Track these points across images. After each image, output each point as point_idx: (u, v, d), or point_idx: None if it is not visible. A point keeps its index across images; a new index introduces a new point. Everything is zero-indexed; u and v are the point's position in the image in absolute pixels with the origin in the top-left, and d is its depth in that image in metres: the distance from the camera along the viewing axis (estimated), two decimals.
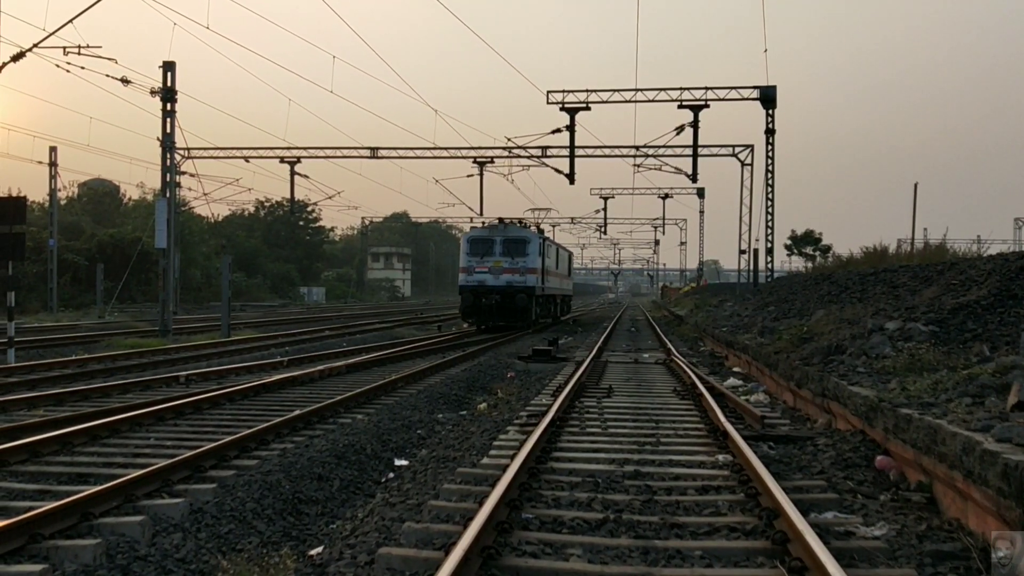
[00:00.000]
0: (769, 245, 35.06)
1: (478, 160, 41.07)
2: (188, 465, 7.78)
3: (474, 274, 31.42)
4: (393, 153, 41.12)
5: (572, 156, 33.71)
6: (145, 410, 10.75)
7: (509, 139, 38.58)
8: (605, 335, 28.74)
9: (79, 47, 21.23)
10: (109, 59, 22.57)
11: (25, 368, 16.11)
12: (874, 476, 7.40)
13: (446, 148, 40.79)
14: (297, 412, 11.09)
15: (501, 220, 33.44)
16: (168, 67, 26.46)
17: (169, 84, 26.32)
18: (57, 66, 21.59)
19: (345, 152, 41.19)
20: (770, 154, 33.72)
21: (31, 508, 6.35)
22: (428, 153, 40.79)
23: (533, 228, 35.38)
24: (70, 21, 19.50)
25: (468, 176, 42.17)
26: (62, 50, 21.20)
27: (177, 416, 11.04)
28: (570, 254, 50.00)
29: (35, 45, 19.35)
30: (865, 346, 11.14)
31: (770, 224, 34.58)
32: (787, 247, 53.58)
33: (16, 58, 18.70)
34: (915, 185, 29.28)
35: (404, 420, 11.57)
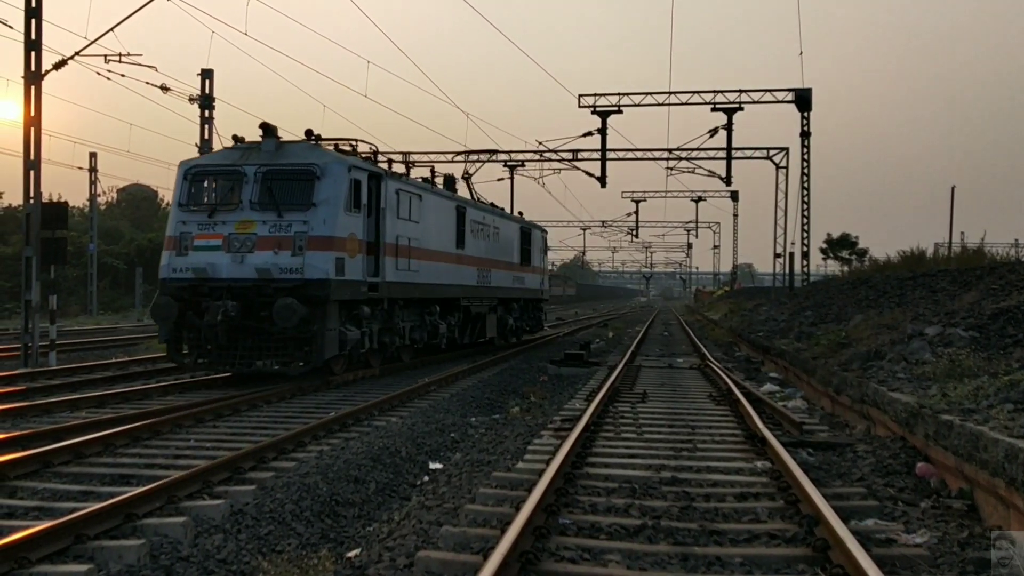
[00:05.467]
0: (805, 248, 34.79)
1: (509, 164, 41.08)
2: (228, 467, 7.88)
3: (189, 253, 14.16)
4: (424, 158, 41.27)
5: (604, 159, 33.60)
6: (185, 412, 10.90)
7: (540, 142, 38.19)
8: (637, 340, 28.65)
9: (120, 55, 21.54)
10: (149, 67, 22.84)
11: (67, 370, 16.37)
12: (915, 483, 7.34)
13: (477, 151, 40.87)
14: (333, 414, 11.19)
15: (267, 128, 15.11)
16: (206, 74, 26.77)
17: (207, 91, 26.65)
18: (98, 73, 22.02)
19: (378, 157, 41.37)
20: (805, 157, 33.46)
21: (75, 509, 6.46)
22: (459, 157, 40.89)
23: (366, 154, 17.07)
24: (111, 29, 19.77)
25: (499, 180, 42.14)
26: (103, 58, 21.54)
27: (216, 418, 11.17)
28: (529, 229, 27.99)
29: (77, 53, 19.63)
30: (904, 351, 11.03)
31: (806, 227, 34.30)
32: (822, 251, 53.03)
33: (58, 66, 18.98)
34: (952, 188, 29.00)
35: (437, 423, 11.61)
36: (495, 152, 30.27)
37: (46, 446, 8.61)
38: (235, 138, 15.43)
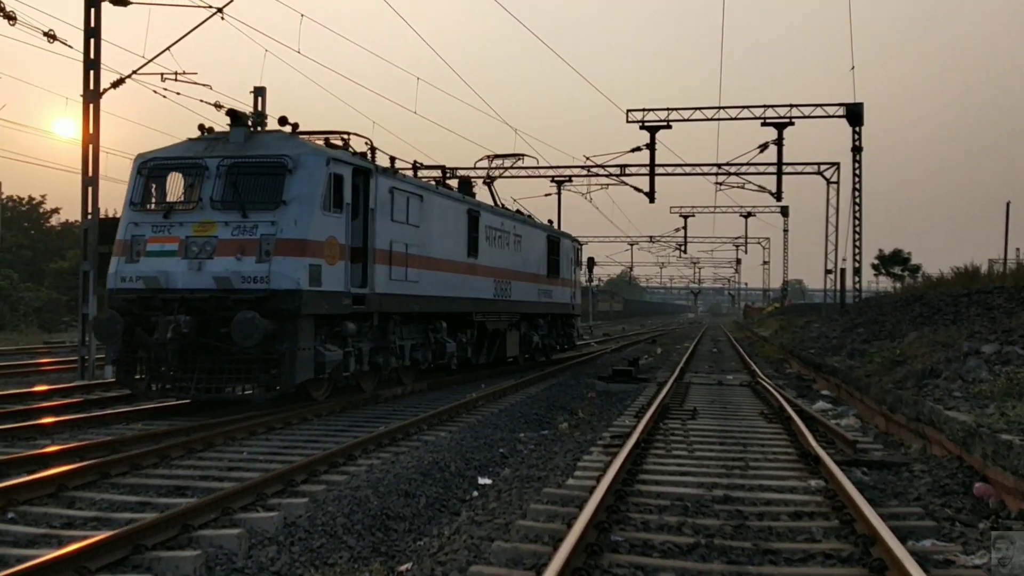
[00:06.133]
0: (857, 265, 34.33)
1: (556, 179, 41.11)
2: (281, 479, 7.97)
3: (140, 259, 12.33)
4: (472, 173, 41.50)
5: (652, 174, 33.49)
6: (238, 424, 11.06)
7: (588, 157, 38.06)
8: (686, 356, 28.47)
9: (176, 73, 21.96)
10: (204, 85, 23.21)
11: None
12: (973, 504, 7.20)
13: (524, 167, 41.02)
14: (382, 428, 11.25)
15: (235, 116, 13.17)
16: (259, 92, 27.21)
17: (260, 108, 27.07)
18: (155, 92, 22.37)
19: (424, 172, 41.65)
20: (857, 172, 33.05)
21: (133, 519, 6.59)
22: (507, 172, 41.02)
23: (354, 148, 14.13)
24: (167, 49, 20.18)
25: (546, 195, 42.29)
26: (160, 76, 21.97)
27: (268, 431, 11.31)
28: (558, 238, 25.83)
29: (134, 72, 20.07)
30: (961, 370, 10.84)
31: (857, 243, 33.86)
32: (874, 267, 52.35)
33: (116, 84, 19.44)
34: (1007, 204, 28.44)
35: (486, 438, 11.63)
36: (521, 156, 28.89)
37: (104, 457, 8.79)
38: (201, 128, 13.47)
